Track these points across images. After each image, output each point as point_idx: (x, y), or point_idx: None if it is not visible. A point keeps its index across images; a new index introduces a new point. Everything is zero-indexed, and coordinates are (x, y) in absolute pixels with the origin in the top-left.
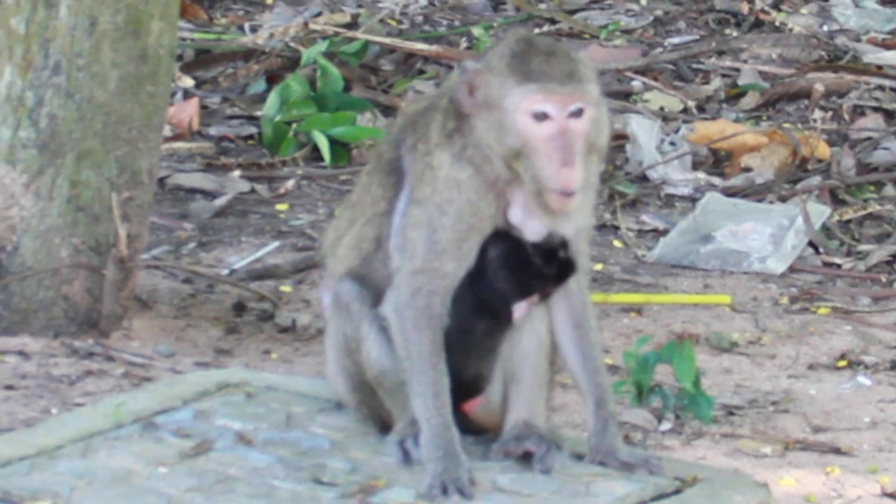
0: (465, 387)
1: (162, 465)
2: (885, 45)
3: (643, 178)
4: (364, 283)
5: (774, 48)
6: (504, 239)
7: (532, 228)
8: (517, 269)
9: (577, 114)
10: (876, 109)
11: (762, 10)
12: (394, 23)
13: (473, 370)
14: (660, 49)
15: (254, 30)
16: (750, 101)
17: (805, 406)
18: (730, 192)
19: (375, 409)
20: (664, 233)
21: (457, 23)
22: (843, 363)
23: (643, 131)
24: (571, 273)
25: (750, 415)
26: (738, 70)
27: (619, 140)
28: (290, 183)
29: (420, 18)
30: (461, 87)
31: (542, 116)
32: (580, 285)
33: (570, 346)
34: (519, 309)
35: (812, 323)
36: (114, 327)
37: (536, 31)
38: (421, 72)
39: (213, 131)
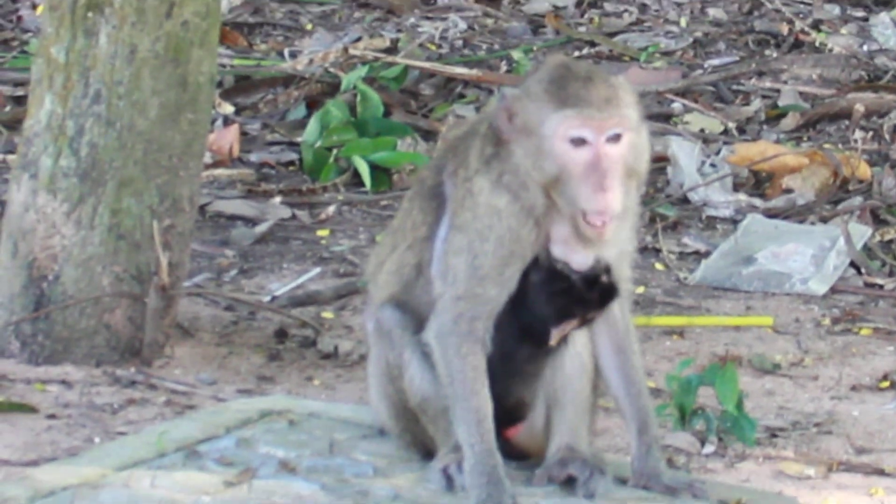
0: (507, 413)
1: (205, 493)
2: None
3: (684, 201)
4: (406, 310)
5: (814, 69)
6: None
7: (577, 260)
8: (558, 294)
9: (615, 139)
10: None
11: (802, 31)
12: (433, 47)
13: (516, 396)
14: (700, 71)
15: (293, 55)
16: (790, 122)
17: (848, 427)
18: (771, 214)
19: (418, 436)
20: (706, 255)
21: (496, 46)
22: (885, 384)
23: (684, 153)
24: (613, 298)
25: (793, 437)
26: (778, 91)
27: (660, 162)
28: (331, 209)
29: (459, 42)
30: (500, 114)
31: (579, 142)
32: (623, 309)
33: (612, 370)
34: (557, 333)
35: (854, 344)
36: (156, 355)
37: (576, 54)
38: (461, 96)
39: (253, 158)
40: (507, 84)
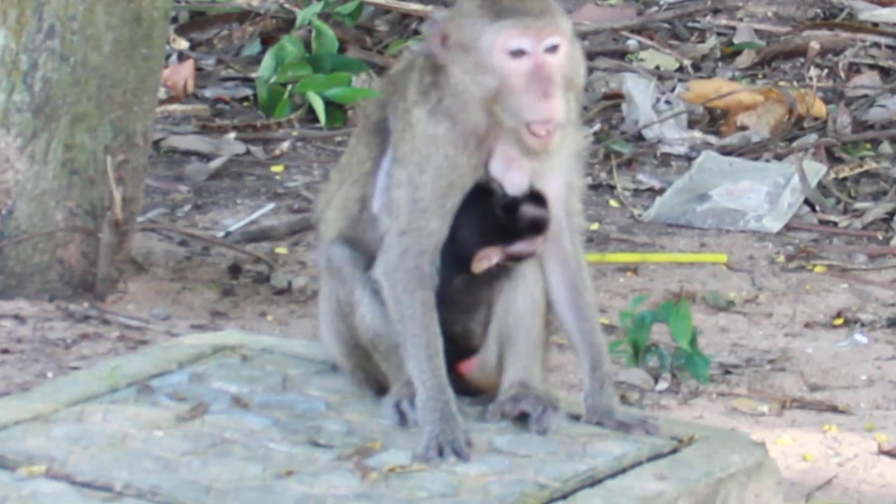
0: (456, 345)
1: (158, 428)
2: (881, 3)
3: (639, 138)
4: (355, 247)
5: (770, 6)
6: (474, 189)
7: (513, 180)
8: (480, 217)
9: (553, 49)
10: (872, 67)
11: None
12: None
13: (460, 326)
14: (655, 8)
15: None
16: (745, 59)
17: (802, 364)
18: (726, 151)
19: (371, 372)
20: (660, 192)
21: None
22: (839, 321)
23: (639, 90)
24: (538, 231)
25: (747, 374)
26: (733, 28)
27: (615, 99)
28: (286, 145)
29: None
30: (432, 38)
31: (518, 53)
32: (575, 245)
33: (565, 306)
34: (477, 259)
35: (808, 281)
36: (109, 291)
37: None
38: (416, 32)
39: (208, 93)
40: None
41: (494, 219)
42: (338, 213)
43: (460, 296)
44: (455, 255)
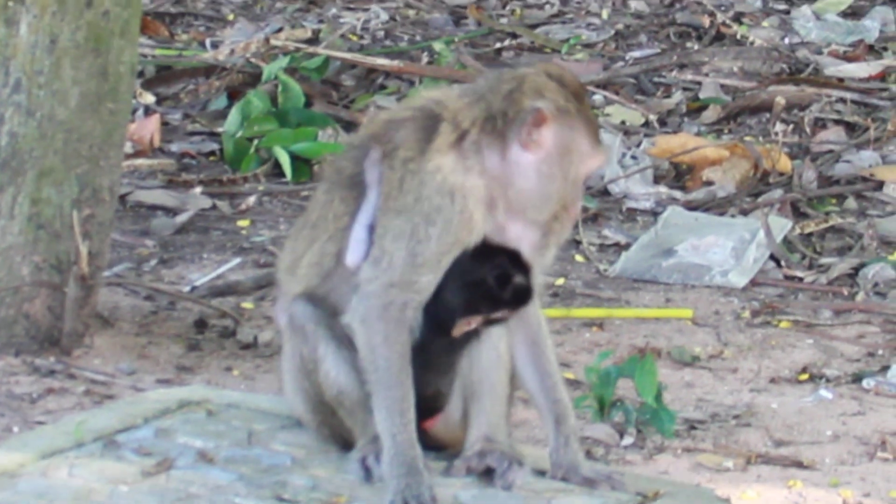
0: (425, 404)
1: (123, 483)
2: (847, 58)
3: (605, 193)
4: (318, 304)
5: (736, 61)
6: (466, 254)
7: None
8: (470, 286)
9: None
10: (837, 122)
11: (723, 24)
12: (355, 38)
13: (433, 387)
14: (621, 63)
15: (215, 46)
16: (711, 114)
17: (767, 420)
18: (691, 206)
19: (336, 428)
20: (626, 247)
21: (418, 38)
22: (804, 376)
23: (604, 145)
24: (525, 302)
25: (712, 429)
26: (699, 83)
27: None
28: (252, 199)
29: (381, 34)
30: (534, 118)
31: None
32: (534, 302)
33: (526, 364)
34: (460, 325)
35: (774, 336)
36: (75, 345)
37: (497, 45)
38: (382, 87)
39: (174, 148)
40: (428, 75)
41: (485, 288)
42: (311, 269)
43: (437, 357)
44: (437, 320)
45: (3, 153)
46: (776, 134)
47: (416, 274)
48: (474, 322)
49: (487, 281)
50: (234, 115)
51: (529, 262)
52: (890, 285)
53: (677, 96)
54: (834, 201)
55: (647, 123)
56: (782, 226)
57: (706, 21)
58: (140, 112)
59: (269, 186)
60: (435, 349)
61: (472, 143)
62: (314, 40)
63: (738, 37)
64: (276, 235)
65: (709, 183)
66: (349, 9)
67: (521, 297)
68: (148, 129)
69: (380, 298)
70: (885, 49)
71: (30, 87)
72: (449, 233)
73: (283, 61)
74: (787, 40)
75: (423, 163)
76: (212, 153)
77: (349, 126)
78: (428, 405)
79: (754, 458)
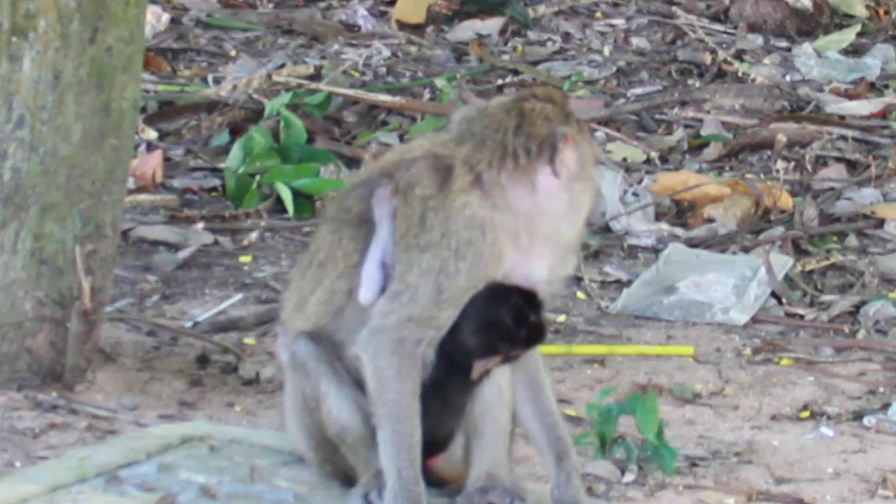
0: (433, 442)
1: None
2: (848, 95)
3: (606, 229)
4: (320, 341)
5: (737, 98)
6: (479, 295)
7: (537, 269)
8: (487, 327)
9: None
10: (838, 160)
11: (725, 61)
12: (357, 74)
13: (447, 427)
14: (622, 100)
15: (217, 82)
16: (713, 151)
17: (768, 457)
18: (693, 243)
19: (338, 465)
20: (627, 284)
21: (420, 74)
22: (805, 414)
23: (606, 182)
24: (541, 339)
25: (713, 466)
26: (700, 121)
27: None
28: (254, 235)
29: (383, 70)
30: (563, 143)
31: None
32: None
33: (526, 403)
34: (479, 367)
35: (775, 374)
36: (77, 380)
37: (500, 82)
38: (384, 123)
39: (176, 183)
40: (430, 112)
41: (502, 329)
42: (321, 307)
43: (452, 398)
44: (454, 362)
45: (6, 188)
46: (777, 171)
47: (439, 309)
48: (492, 363)
49: (505, 322)
50: (236, 150)
51: (543, 297)
52: (891, 323)
53: (679, 133)
54: (835, 239)
55: (648, 160)
56: (783, 263)
57: (708, 58)
58: (142, 148)
59: (271, 222)
60: (450, 390)
61: (491, 183)
62: (316, 76)
63: (740, 74)
64: (279, 271)
65: (710, 220)
66: (351, 45)
67: (538, 334)
68: (150, 164)
69: (395, 332)
70: (887, 87)
71: (33, 123)
72: (478, 267)
73: (286, 97)
74: (788, 78)
75: (447, 201)
76: (214, 189)
77: (351, 162)
78: (436, 443)
79: (755, 496)
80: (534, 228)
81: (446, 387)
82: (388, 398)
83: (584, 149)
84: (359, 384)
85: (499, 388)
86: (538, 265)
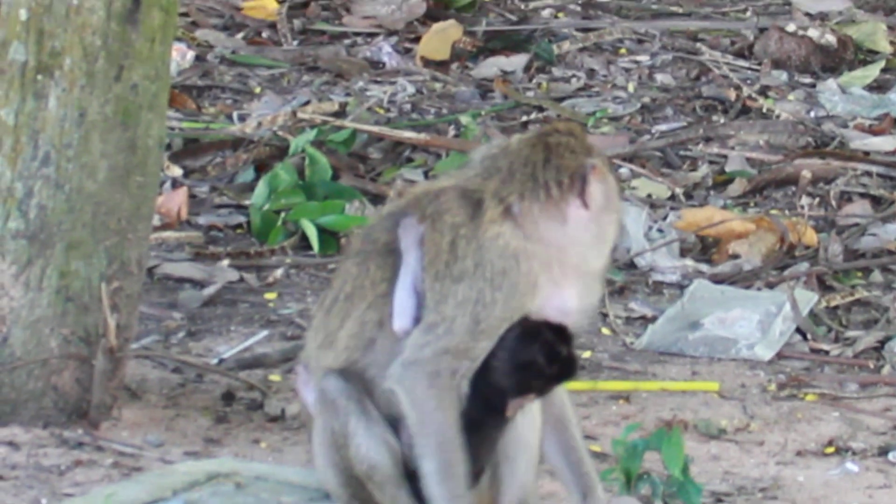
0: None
1: None
2: (872, 131)
3: (631, 266)
4: (349, 378)
5: (762, 135)
6: (510, 334)
7: (569, 299)
8: (521, 367)
9: None
10: (863, 195)
11: (749, 97)
12: (382, 111)
13: (481, 463)
14: (647, 136)
15: (242, 119)
16: (737, 187)
17: (793, 493)
18: (717, 279)
19: (366, 502)
20: (652, 320)
21: (444, 111)
22: (831, 450)
23: (631, 219)
24: (574, 372)
25: (738, 502)
26: (725, 157)
27: None
28: (279, 272)
29: (408, 107)
30: (592, 175)
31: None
32: None
33: (551, 439)
34: (514, 405)
35: (800, 409)
36: (103, 417)
37: (524, 118)
38: (409, 160)
39: (201, 220)
40: (455, 148)
41: (536, 368)
42: (351, 340)
43: (488, 435)
44: (488, 401)
45: (31, 226)
46: (802, 207)
47: (475, 340)
48: (528, 400)
49: (538, 361)
50: (261, 187)
51: (572, 330)
52: None
53: (703, 169)
54: (860, 274)
55: (673, 196)
56: (808, 299)
57: (732, 95)
58: (167, 185)
59: (297, 259)
60: (486, 427)
61: (522, 214)
62: (341, 113)
63: (764, 110)
64: (304, 308)
65: (735, 256)
66: (376, 82)
67: (571, 369)
68: (175, 201)
69: (431, 365)
70: None
71: (58, 161)
72: (514, 297)
73: (311, 134)
74: (812, 114)
75: (479, 231)
76: (239, 226)
77: (376, 199)
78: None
79: None
80: (564, 259)
81: (482, 424)
82: (430, 430)
83: (610, 180)
84: (388, 421)
85: (530, 415)
86: (569, 295)
